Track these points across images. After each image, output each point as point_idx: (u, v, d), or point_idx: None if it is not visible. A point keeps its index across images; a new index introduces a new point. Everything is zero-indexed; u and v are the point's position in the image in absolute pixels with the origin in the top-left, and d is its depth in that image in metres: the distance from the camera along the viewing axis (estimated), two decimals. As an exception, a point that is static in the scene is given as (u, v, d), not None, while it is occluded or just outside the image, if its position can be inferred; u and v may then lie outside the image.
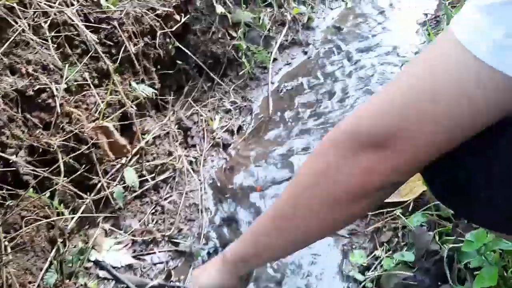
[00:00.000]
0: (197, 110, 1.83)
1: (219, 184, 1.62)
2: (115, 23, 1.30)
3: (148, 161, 1.49)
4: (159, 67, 1.65)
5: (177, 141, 1.66)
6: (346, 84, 2.05)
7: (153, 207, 1.45)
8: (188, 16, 1.73)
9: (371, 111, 0.55)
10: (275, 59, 2.24)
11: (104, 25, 1.34)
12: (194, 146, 1.70)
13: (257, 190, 1.57)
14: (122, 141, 1.32)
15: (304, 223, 0.64)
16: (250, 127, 1.86)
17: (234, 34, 2.06)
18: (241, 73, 2.04)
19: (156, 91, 1.55)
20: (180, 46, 1.70)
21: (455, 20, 0.50)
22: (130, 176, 1.30)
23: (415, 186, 1.32)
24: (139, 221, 1.42)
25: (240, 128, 1.85)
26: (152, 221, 1.44)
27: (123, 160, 1.34)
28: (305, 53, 2.32)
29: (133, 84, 1.42)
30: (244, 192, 1.58)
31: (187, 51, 1.80)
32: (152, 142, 1.54)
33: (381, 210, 1.35)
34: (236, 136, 1.81)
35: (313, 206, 0.61)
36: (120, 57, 1.35)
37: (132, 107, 1.35)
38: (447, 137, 0.51)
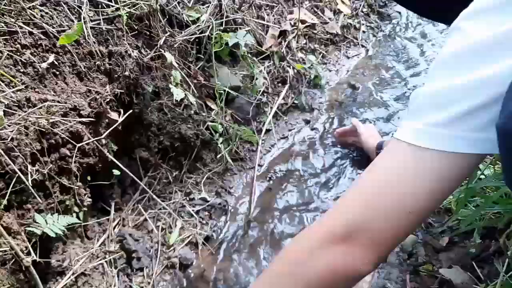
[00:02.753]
0: (153, 214, 1.43)
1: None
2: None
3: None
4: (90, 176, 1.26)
5: (116, 267, 1.27)
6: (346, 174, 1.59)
7: None
8: (138, 102, 1.33)
9: (337, 212, 0.69)
10: (268, 130, 1.81)
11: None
12: (140, 269, 1.30)
13: None
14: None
15: None
16: (222, 236, 1.44)
17: (213, 106, 1.65)
18: (219, 155, 1.62)
19: (79, 220, 1.16)
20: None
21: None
22: None
23: None
24: None
25: (207, 238, 1.43)
26: None
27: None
28: (307, 122, 1.87)
29: (37, 217, 1.04)
30: None
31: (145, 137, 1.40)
32: (73, 283, 1.16)
33: None
34: (201, 250, 1.39)
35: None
36: (9, 191, 0.96)
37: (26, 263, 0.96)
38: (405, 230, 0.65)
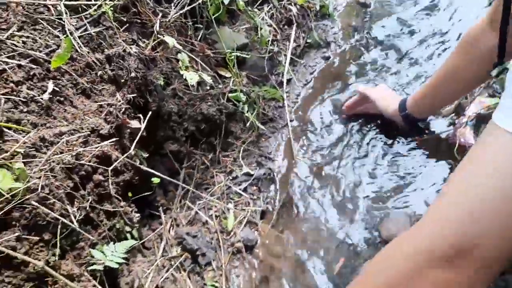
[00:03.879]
0: (202, 204, 1.37)
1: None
2: (29, 207, 0.84)
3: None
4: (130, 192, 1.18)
5: (184, 270, 1.23)
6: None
7: None
8: (153, 100, 1.22)
9: (436, 226, 0.54)
10: (289, 80, 1.68)
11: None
12: (208, 264, 1.26)
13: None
14: None
15: None
16: (277, 205, 1.38)
17: (226, 75, 1.53)
18: (248, 123, 1.53)
19: (135, 240, 1.11)
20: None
21: (497, 116, 0.52)
22: None
23: None
24: None
25: (263, 213, 1.38)
26: None
27: None
28: (327, 58, 1.73)
29: (94, 253, 0.99)
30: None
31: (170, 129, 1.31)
32: (148, 300, 1.13)
33: None
34: (261, 226, 1.34)
35: None
36: (58, 239, 0.90)
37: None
38: None
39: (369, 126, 1.48)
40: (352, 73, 1.64)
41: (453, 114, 1.35)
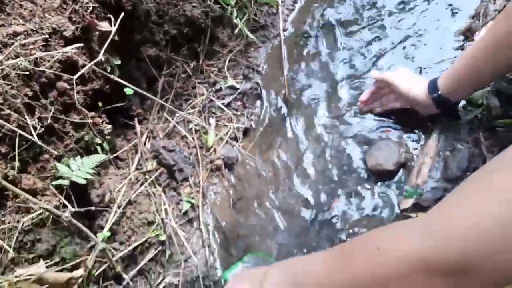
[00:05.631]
0: (181, 117, 1.28)
1: (228, 232, 1.17)
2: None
3: (119, 250, 1.05)
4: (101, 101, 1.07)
5: (160, 184, 1.18)
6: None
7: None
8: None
9: (449, 235, 0.46)
10: (285, -17, 1.50)
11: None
12: (185, 180, 1.21)
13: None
14: (63, 277, 0.88)
15: None
16: (261, 123, 1.30)
17: (214, -28, 1.34)
18: (236, 30, 1.38)
19: (106, 154, 1.03)
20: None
21: None
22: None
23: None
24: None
25: (246, 130, 1.30)
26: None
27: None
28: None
29: (59, 167, 0.91)
30: (264, 233, 1.13)
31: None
32: (121, 214, 1.08)
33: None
34: (242, 144, 1.27)
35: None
36: (16, 152, 0.82)
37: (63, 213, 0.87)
38: None
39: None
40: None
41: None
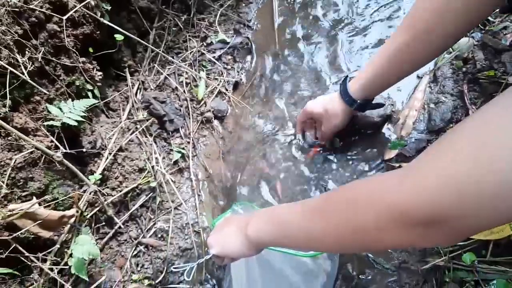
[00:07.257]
0: (173, 69, 1.29)
1: (217, 182, 1.20)
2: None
3: (110, 195, 1.08)
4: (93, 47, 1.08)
5: (151, 134, 1.20)
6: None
7: (134, 248, 1.11)
8: None
9: (424, 187, 0.47)
10: None
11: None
12: (176, 131, 1.23)
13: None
14: (55, 214, 0.91)
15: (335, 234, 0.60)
16: (251, 77, 1.32)
17: None
18: (229, -16, 1.38)
19: (97, 99, 1.04)
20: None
21: None
22: (80, 249, 0.92)
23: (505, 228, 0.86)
24: (120, 268, 1.11)
25: (237, 84, 1.31)
26: (137, 265, 1.11)
27: (66, 228, 0.95)
28: None
29: (51, 108, 0.93)
30: (251, 184, 1.17)
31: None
32: (113, 161, 1.10)
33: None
34: (232, 97, 1.29)
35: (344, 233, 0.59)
36: (8, 90, 0.83)
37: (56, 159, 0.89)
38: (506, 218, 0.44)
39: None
40: None
41: None
